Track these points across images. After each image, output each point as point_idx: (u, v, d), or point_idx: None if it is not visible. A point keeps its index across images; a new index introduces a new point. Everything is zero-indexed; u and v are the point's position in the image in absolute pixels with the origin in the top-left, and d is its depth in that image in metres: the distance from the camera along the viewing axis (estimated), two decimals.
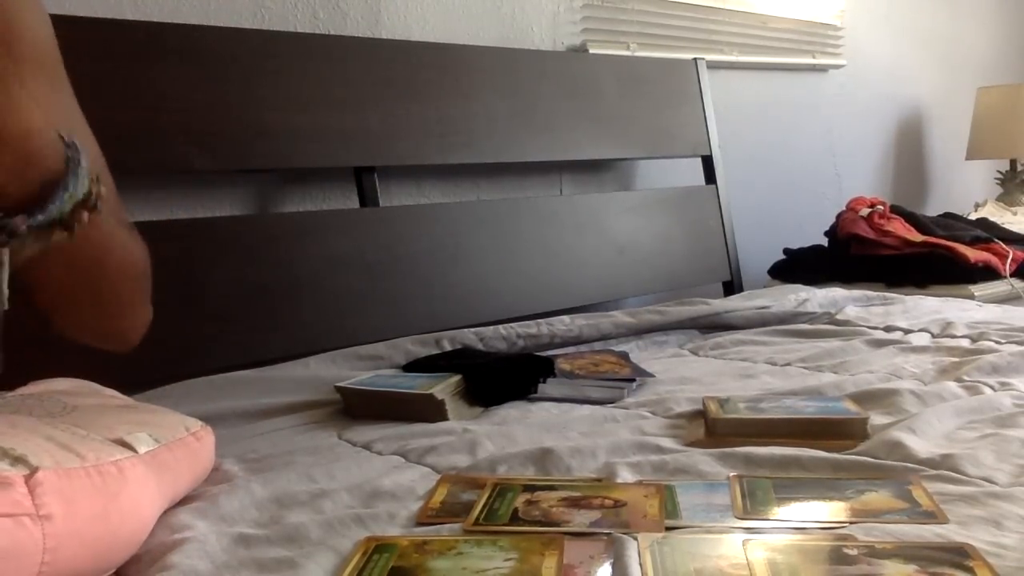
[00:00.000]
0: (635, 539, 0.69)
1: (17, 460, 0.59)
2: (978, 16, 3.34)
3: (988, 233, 2.25)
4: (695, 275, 2.09)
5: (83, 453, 0.65)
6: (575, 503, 0.78)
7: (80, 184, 0.57)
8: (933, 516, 0.72)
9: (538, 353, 1.39)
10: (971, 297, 1.96)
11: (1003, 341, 1.38)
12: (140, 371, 1.17)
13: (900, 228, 2.22)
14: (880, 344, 1.44)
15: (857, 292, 1.89)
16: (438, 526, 0.75)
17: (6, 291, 0.56)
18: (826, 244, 2.33)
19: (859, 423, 0.97)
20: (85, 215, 0.58)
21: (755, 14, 2.44)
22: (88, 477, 0.64)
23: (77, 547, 0.61)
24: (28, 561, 0.57)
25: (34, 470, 0.59)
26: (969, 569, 0.62)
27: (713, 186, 2.16)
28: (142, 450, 0.73)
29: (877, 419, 1.00)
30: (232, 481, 0.87)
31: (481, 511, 0.76)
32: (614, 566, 0.65)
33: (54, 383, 0.89)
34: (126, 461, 0.69)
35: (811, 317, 1.69)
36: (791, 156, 2.63)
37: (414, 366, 1.30)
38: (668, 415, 1.08)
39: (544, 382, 1.22)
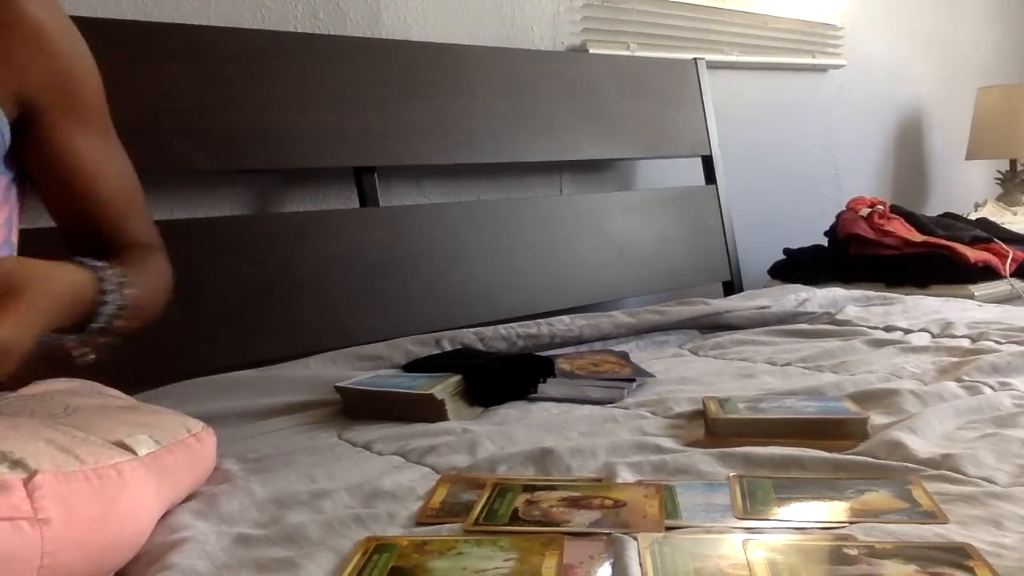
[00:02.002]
0: (635, 539, 0.69)
1: (16, 464, 0.59)
2: (978, 16, 3.34)
3: (988, 233, 2.25)
4: (695, 275, 2.09)
5: (82, 456, 0.65)
6: (575, 503, 0.78)
7: (112, 307, 0.76)
8: (933, 516, 0.72)
9: (538, 353, 1.39)
10: (971, 297, 1.96)
11: (1003, 341, 1.38)
12: (140, 371, 1.17)
13: (900, 228, 2.22)
14: (880, 344, 1.44)
15: (857, 292, 1.89)
16: (438, 526, 0.75)
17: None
18: (826, 244, 2.33)
19: (859, 423, 0.97)
20: (119, 322, 0.77)
21: (755, 14, 2.44)
22: (87, 481, 0.64)
23: (75, 551, 0.60)
24: (26, 565, 0.57)
25: (33, 473, 0.59)
26: (969, 569, 0.62)
27: (713, 186, 2.16)
28: (142, 452, 0.72)
29: (877, 419, 1.00)
30: (232, 481, 0.87)
31: (481, 511, 0.76)
32: (614, 566, 0.65)
33: (56, 383, 0.89)
34: (126, 464, 0.69)
35: (811, 317, 1.69)
36: (791, 156, 2.63)
37: (414, 366, 1.30)
38: (668, 415, 1.08)
39: (544, 382, 1.22)
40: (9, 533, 0.56)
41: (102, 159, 0.89)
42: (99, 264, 0.76)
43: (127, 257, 0.86)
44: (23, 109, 0.82)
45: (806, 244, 2.33)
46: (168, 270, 0.94)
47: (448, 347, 1.40)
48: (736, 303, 1.74)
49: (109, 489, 0.65)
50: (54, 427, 0.69)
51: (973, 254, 2.09)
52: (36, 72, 0.82)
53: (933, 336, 1.50)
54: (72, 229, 0.90)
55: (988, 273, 2.08)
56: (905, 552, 0.65)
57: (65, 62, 0.85)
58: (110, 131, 0.92)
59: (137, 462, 0.71)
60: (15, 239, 0.87)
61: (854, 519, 0.73)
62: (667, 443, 0.95)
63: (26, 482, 0.58)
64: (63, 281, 0.71)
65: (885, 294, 1.87)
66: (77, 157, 0.87)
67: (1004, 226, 2.41)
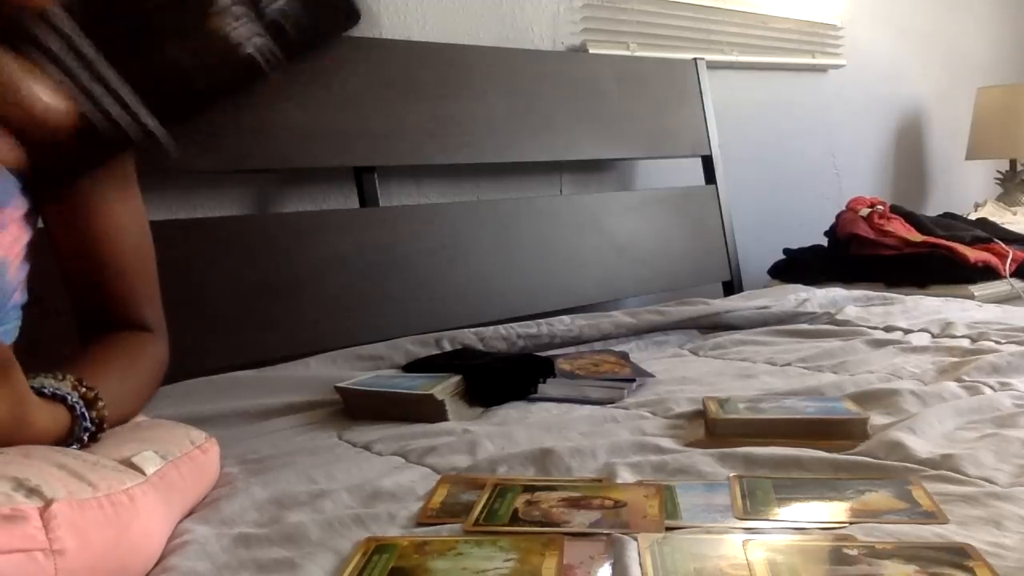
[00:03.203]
0: (635, 539, 0.69)
1: (32, 492, 0.59)
2: (978, 16, 3.34)
3: (988, 233, 2.25)
4: (695, 275, 2.09)
5: (95, 482, 0.65)
6: (575, 503, 0.78)
7: (85, 431, 0.73)
8: (933, 516, 0.72)
9: (538, 353, 1.39)
10: (971, 297, 1.96)
11: (1003, 341, 1.38)
12: None
13: (900, 228, 2.22)
14: (880, 344, 1.44)
15: (857, 292, 1.89)
16: (438, 526, 0.75)
17: None
18: (826, 244, 2.33)
19: (859, 423, 0.97)
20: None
21: (755, 14, 2.44)
22: (100, 508, 0.63)
23: None
24: None
25: (49, 502, 0.59)
26: (969, 569, 0.62)
27: (713, 186, 2.16)
28: (150, 470, 0.72)
29: (877, 419, 1.00)
30: (232, 482, 0.87)
31: (481, 511, 0.76)
32: (614, 566, 0.65)
33: None
34: (137, 489, 0.68)
35: (811, 317, 1.69)
36: (791, 156, 2.63)
37: (414, 366, 1.30)
38: (668, 415, 1.08)
39: (544, 382, 1.22)
40: (25, 565, 0.56)
41: (112, 199, 0.89)
42: (84, 413, 0.74)
43: (119, 356, 0.86)
44: None
45: (806, 244, 2.33)
46: (163, 361, 0.94)
47: (448, 347, 1.40)
48: (736, 303, 1.74)
49: (122, 516, 0.65)
50: (64, 451, 0.69)
51: (973, 254, 2.09)
52: None
53: (933, 336, 1.50)
54: (76, 286, 0.90)
55: (988, 273, 2.08)
56: (905, 552, 0.65)
57: None
58: (131, 183, 0.92)
59: (147, 485, 0.70)
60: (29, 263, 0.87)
61: (854, 519, 0.73)
62: (667, 443, 0.95)
63: (42, 511, 0.58)
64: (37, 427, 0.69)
65: (885, 294, 1.87)
66: (85, 192, 0.87)
67: (1004, 226, 2.41)
